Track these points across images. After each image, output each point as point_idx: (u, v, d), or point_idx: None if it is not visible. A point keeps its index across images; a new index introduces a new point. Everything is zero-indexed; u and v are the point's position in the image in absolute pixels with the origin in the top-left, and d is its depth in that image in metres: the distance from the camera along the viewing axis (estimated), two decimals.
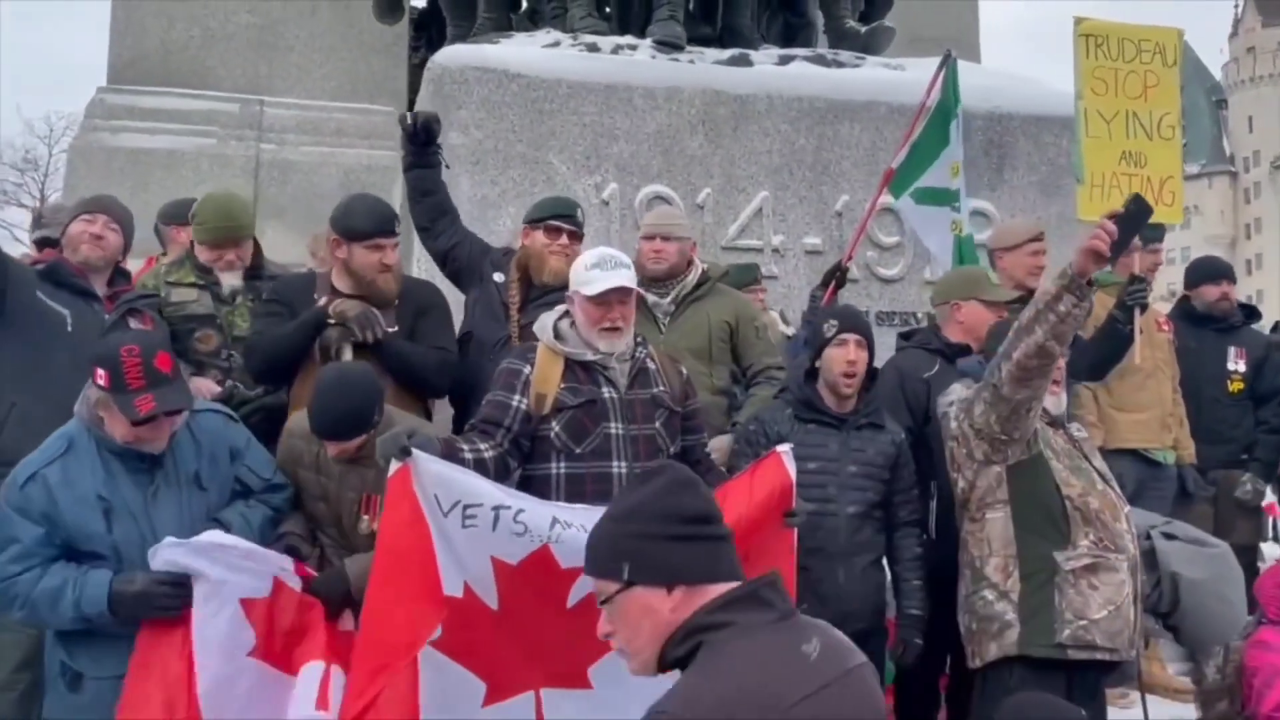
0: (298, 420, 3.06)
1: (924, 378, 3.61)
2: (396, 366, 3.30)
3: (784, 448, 2.97)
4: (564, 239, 3.63)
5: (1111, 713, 4.03)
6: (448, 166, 3.85)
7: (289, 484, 3.00)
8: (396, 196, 5.67)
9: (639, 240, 3.90)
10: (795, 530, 2.95)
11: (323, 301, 3.35)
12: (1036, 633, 2.92)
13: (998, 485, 3.05)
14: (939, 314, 3.84)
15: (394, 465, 2.62)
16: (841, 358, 3.29)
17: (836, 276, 4.41)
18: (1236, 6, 76.73)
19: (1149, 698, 3.99)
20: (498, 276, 3.66)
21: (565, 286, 3.34)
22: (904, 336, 3.99)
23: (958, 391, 3.22)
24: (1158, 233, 4.98)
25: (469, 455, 2.80)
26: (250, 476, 2.89)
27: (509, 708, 2.77)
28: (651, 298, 3.79)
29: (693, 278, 3.81)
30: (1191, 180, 72.81)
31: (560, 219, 3.65)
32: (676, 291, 3.79)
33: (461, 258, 3.75)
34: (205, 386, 3.49)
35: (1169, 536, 3.18)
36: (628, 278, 2.98)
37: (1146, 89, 4.44)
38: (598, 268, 2.98)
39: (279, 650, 2.72)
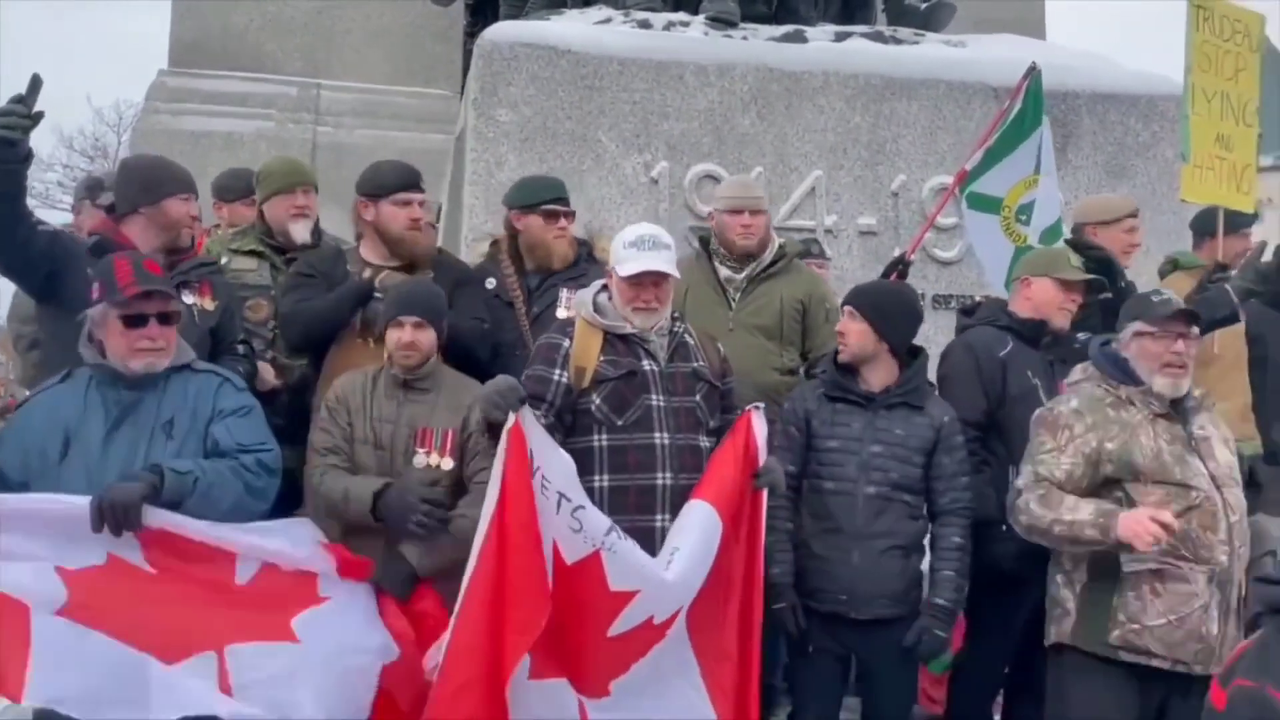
0: (346, 378, 3.15)
1: (999, 357, 3.48)
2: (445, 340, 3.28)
3: (754, 406, 3.01)
4: (563, 221, 3.60)
5: None
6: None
7: (273, 447, 2.88)
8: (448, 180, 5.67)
9: (719, 214, 3.80)
10: (764, 491, 2.98)
11: (367, 274, 3.36)
12: (1090, 628, 2.86)
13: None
14: (1010, 290, 3.74)
15: (510, 418, 2.69)
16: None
17: (899, 269, 4.30)
18: None
19: None
20: (490, 283, 3.63)
21: (568, 269, 3.46)
22: (965, 313, 3.86)
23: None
24: (1246, 218, 4.78)
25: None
26: (225, 436, 2.78)
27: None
28: (725, 272, 3.73)
29: (769, 254, 3.74)
30: (1266, 172, 69.93)
31: (557, 201, 3.62)
32: (752, 268, 3.72)
33: None
34: (266, 372, 3.54)
35: None
36: (665, 260, 2.97)
37: (1238, 71, 4.32)
38: (635, 247, 2.99)
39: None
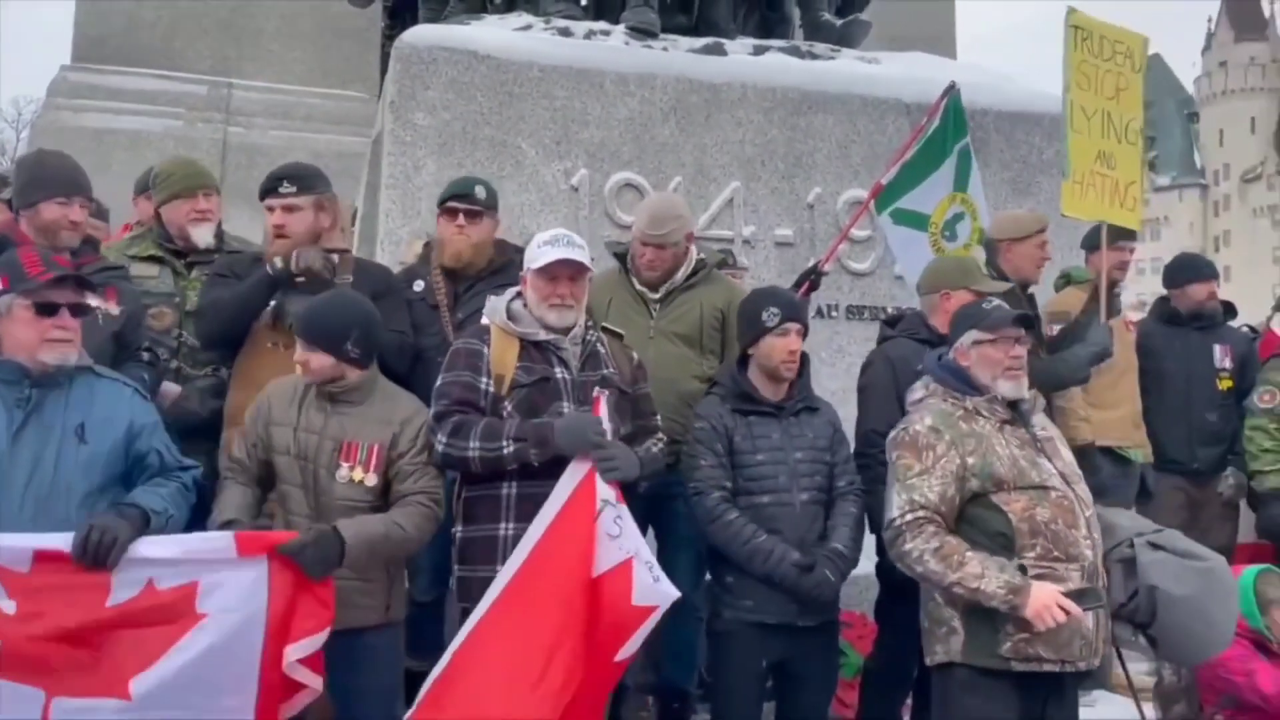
0: (279, 383, 3.05)
1: (916, 370, 3.54)
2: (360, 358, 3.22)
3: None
4: (460, 219, 3.58)
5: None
6: None
7: (199, 464, 2.92)
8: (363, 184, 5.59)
9: (634, 242, 3.80)
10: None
11: (279, 262, 3.28)
12: (979, 643, 2.87)
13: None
14: (926, 303, 3.77)
15: (582, 464, 2.76)
16: (784, 347, 3.29)
17: (811, 277, 4.37)
18: (1210, 21, 77.78)
19: (1108, 695, 4.00)
20: (417, 285, 3.60)
21: (472, 269, 3.41)
22: (889, 323, 3.92)
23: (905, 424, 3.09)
24: (1128, 232, 4.99)
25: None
26: (166, 454, 2.79)
27: None
28: (642, 286, 3.74)
29: (682, 274, 3.75)
30: (1162, 192, 73.73)
31: (455, 199, 3.61)
32: (669, 284, 3.74)
33: None
34: (169, 391, 3.44)
35: (1156, 546, 3.02)
36: (579, 255, 2.99)
37: (1119, 91, 4.42)
38: (549, 244, 3.00)
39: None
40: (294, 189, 3.37)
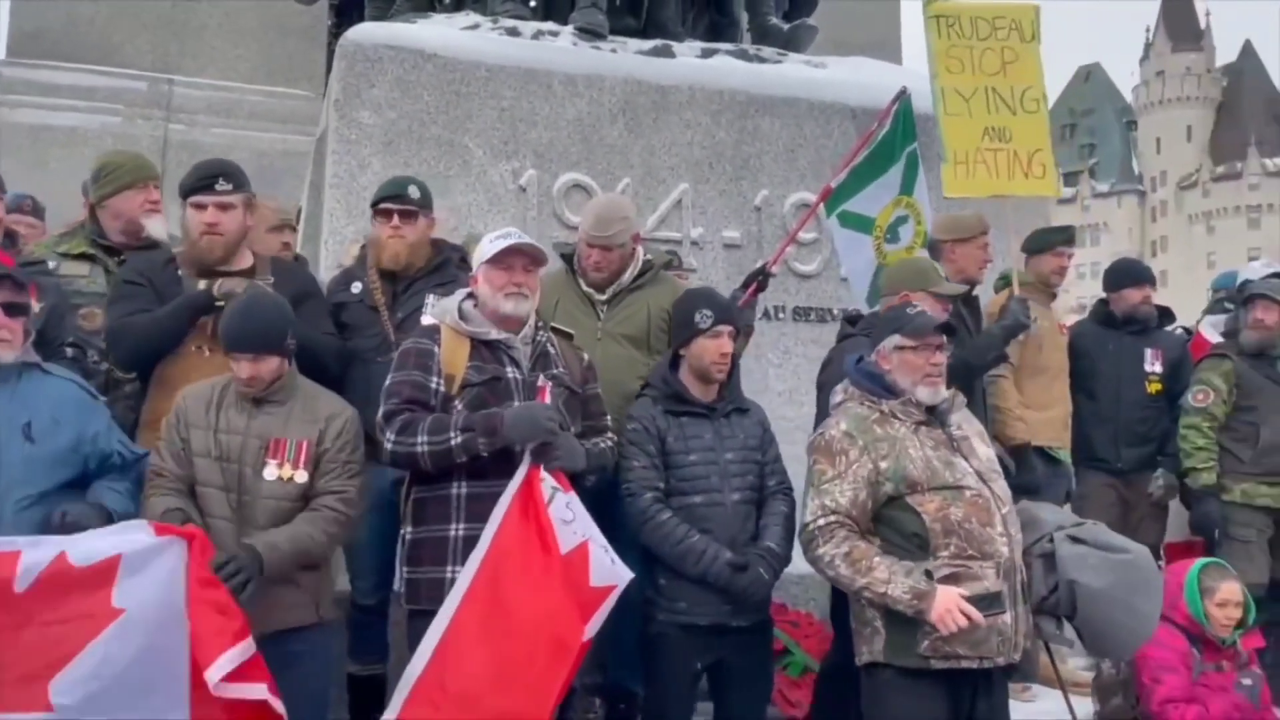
0: (194, 387, 3.00)
1: None
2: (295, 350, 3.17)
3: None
4: (395, 220, 3.55)
5: (1014, 707, 4.10)
6: None
7: (149, 452, 2.90)
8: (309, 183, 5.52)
9: (580, 244, 3.79)
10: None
11: (203, 284, 3.22)
12: (899, 642, 2.92)
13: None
14: (884, 304, 3.79)
15: (527, 460, 2.76)
16: (715, 349, 3.33)
17: (759, 279, 4.40)
18: (1148, 31, 79.65)
19: (1047, 690, 4.06)
20: (355, 287, 3.56)
21: (410, 269, 3.43)
22: (849, 321, 3.96)
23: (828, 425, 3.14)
24: (1064, 234, 5.08)
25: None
26: (125, 451, 2.80)
27: None
28: (589, 288, 3.73)
29: (628, 276, 3.75)
30: (1101, 198, 75.39)
31: (389, 200, 3.58)
32: (615, 285, 3.73)
33: None
34: None
35: (1076, 540, 3.09)
36: (531, 246, 3.02)
37: (1005, 64, 4.46)
38: (501, 238, 3.02)
39: None
40: (230, 186, 3.30)
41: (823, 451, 3.04)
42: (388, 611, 3.53)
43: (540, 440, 2.80)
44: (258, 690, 2.63)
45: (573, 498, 2.84)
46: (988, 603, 2.88)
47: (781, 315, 5.12)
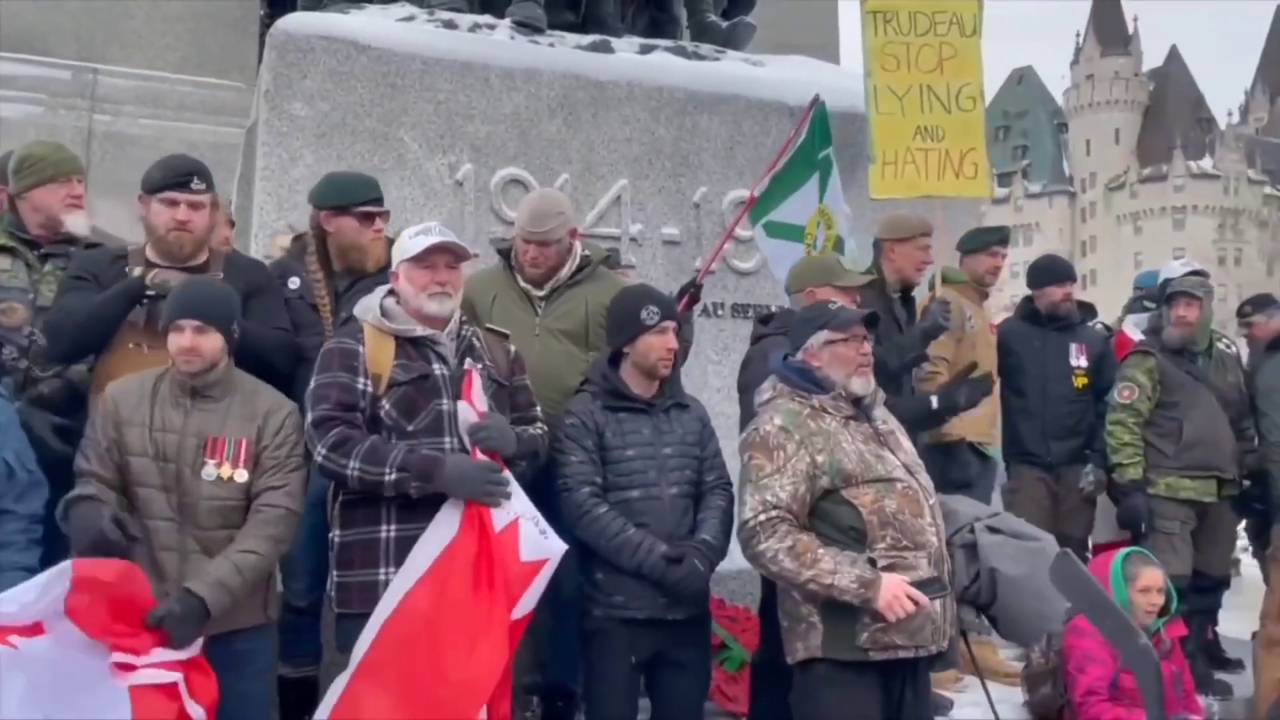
0: (123, 382, 2.89)
1: None
2: (238, 345, 3.07)
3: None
4: (378, 223, 3.49)
5: (947, 696, 4.17)
6: None
7: (45, 481, 2.80)
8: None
9: (516, 240, 3.74)
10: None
11: (138, 272, 3.13)
12: (837, 636, 2.94)
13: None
14: (794, 301, 3.87)
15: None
16: (662, 345, 3.33)
17: (691, 291, 4.40)
18: (1078, 35, 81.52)
19: (977, 680, 4.12)
20: (293, 283, 3.47)
21: (380, 272, 3.30)
22: (762, 321, 4.01)
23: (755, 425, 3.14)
24: (999, 234, 5.17)
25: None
26: (17, 466, 2.68)
27: None
28: (526, 284, 3.69)
29: (566, 271, 3.71)
30: (1033, 199, 77.02)
31: (373, 202, 3.51)
32: (553, 282, 3.70)
33: None
34: None
35: (993, 530, 3.18)
36: (453, 244, 2.96)
37: (942, 61, 4.42)
38: (422, 234, 2.96)
39: None
40: (204, 186, 3.24)
41: (759, 447, 3.04)
42: (320, 613, 3.47)
43: (479, 499, 2.78)
44: (168, 676, 2.57)
45: (508, 475, 2.82)
46: (932, 587, 2.94)
47: (720, 312, 5.13)
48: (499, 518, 2.77)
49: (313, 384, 2.91)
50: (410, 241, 2.95)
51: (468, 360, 2.96)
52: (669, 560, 3.16)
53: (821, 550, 2.91)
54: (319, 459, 2.81)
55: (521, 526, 2.79)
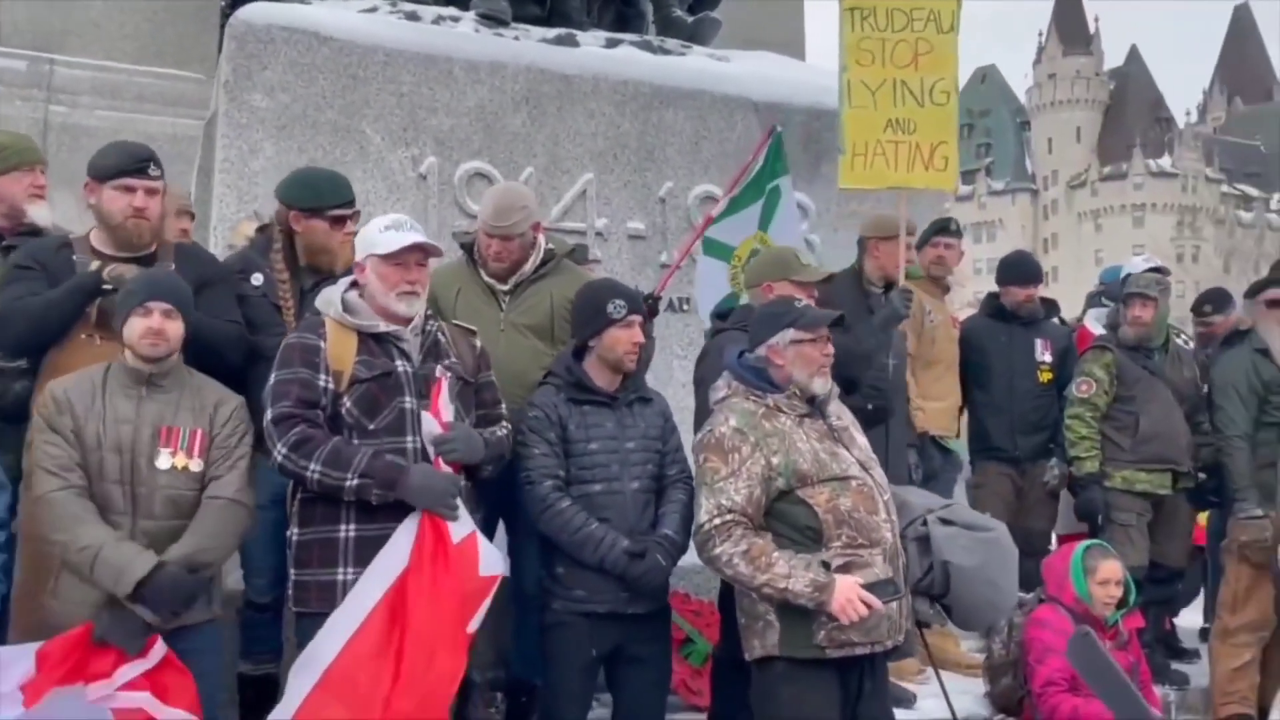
0: (66, 380, 2.85)
1: None
2: (191, 337, 3.01)
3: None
4: (349, 225, 3.43)
5: (910, 689, 4.21)
6: None
7: (8, 485, 2.77)
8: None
9: (480, 234, 3.70)
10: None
11: (95, 266, 3.08)
12: (794, 635, 2.95)
13: None
14: (751, 296, 3.86)
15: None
16: (628, 338, 3.32)
17: (648, 302, 4.39)
18: (1041, 34, 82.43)
19: (941, 674, 4.17)
20: (256, 279, 3.40)
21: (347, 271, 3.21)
22: (719, 316, 4.01)
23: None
24: (940, 224, 5.19)
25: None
26: None
27: None
28: (490, 278, 3.67)
29: (530, 266, 3.68)
30: (996, 196, 77.87)
31: (345, 206, 3.44)
32: (517, 276, 3.67)
33: None
34: None
35: (946, 522, 3.20)
36: (430, 245, 2.93)
37: (917, 56, 4.43)
38: (392, 229, 2.90)
39: None
40: (159, 172, 3.20)
41: (714, 449, 3.03)
42: (282, 610, 3.43)
43: (439, 512, 2.76)
44: (135, 698, 2.57)
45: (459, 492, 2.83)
46: (884, 589, 2.94)
47: (686, 307, 5.13)
48: (456, 530, 2.76)
49: (272, 379, 2.86)
50: (380, 236, 2.89)
51: (438, 368, 2.92)
52: (631, 555, 3.16)
53: (776, 554, 2.91)
54: (278, 458, 2.77)
55: (479, 540, 2.80)
